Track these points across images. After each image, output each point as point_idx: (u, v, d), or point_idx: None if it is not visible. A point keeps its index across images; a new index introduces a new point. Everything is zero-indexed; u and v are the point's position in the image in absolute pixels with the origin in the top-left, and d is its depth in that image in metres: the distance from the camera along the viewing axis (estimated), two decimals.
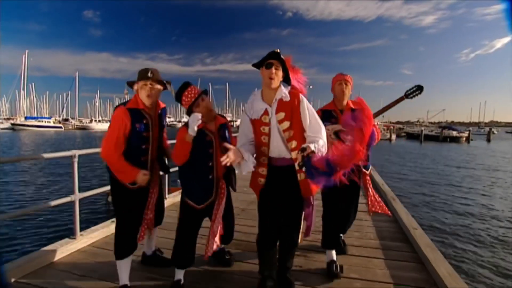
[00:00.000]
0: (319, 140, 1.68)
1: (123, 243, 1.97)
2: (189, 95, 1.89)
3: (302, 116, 1.78)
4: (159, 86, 1.96)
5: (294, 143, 1.77)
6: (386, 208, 2.51)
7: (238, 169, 1.82)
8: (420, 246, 2.54)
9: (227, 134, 2.03)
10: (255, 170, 1.88)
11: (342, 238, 2.63)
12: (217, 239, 1.99)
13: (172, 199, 4.11)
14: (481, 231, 6.42)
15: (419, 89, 2.05)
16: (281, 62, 1.77)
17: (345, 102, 2.25)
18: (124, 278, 1.98)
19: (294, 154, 1.74)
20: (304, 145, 1.61)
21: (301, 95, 1.82)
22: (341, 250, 2.51)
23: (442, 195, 9.82)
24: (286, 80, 1.85)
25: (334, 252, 2.32)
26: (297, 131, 1.78)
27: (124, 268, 1.98)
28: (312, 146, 1.59)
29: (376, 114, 2.15)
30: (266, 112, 1.81)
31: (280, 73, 1.78)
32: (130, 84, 1.98)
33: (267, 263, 1.98)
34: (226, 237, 2.16)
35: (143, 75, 1.90)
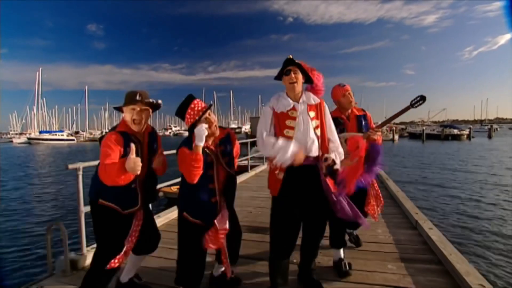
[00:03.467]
0: (338, 147, 1.89)
1: (101, 274, 1.77)
2: (195, 109, 1.75)
3: (326, 120, 1.92)
4: (148, 109, 1.83)
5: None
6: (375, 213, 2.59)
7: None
8: (398, 197, 4.09)
9: (228, 147, 1.89)
10: (274, 167, 1.88)
11: (356, 233, 2.77)
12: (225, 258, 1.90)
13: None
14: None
15: (422, 99, 2.20)
16: (297, 66, 1.86)
17: (350, 110, 2.42)
18: None
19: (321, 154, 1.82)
20: (326, 155, 1.78)
21: (324, 102, 1.96)
22: (357, 243, 2.73)
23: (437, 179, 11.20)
24: (308, 81, 1.94)
25: (341, 250, 2.38)
26: (323, 131, 1.88)
27: None
28: (332, 155, 1.79)
29: (383, 124, 2.40)
30: (294, 108, 1.86)
31: (300, 76, 1.86)
32: (119, 109, 1.82)
33: (282, 273, 1.96)
34: (232, 257, 1.94)
35: (130, 98, 1.78)
